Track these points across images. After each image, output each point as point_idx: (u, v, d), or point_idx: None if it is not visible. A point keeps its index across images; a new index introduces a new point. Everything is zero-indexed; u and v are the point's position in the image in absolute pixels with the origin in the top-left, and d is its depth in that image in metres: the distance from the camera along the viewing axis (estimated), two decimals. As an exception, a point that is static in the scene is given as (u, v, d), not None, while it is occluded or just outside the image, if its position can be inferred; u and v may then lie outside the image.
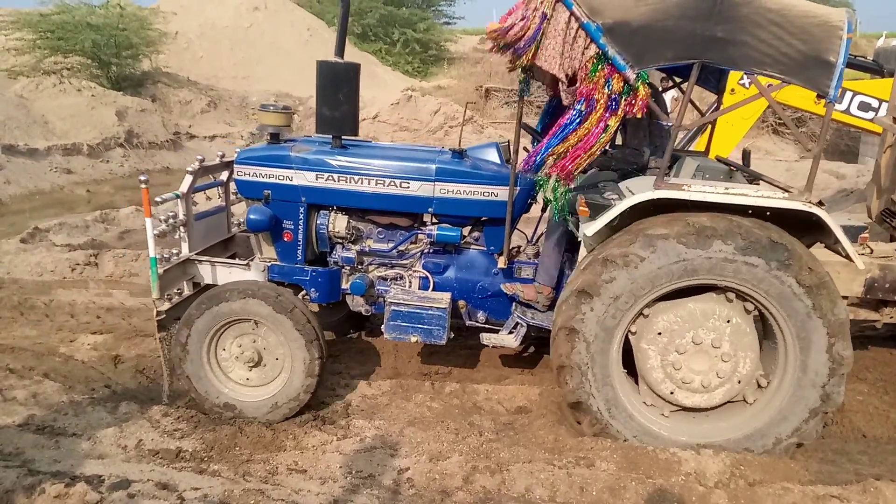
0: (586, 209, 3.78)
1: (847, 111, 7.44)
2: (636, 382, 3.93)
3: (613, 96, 3.42)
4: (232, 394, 4.08)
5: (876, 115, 7.32)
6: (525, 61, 3.51)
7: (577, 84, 3.50)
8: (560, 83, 3.59)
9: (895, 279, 4.09)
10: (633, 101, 3.45)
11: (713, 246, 3.47)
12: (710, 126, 4.91)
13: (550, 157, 3.63)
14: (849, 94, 7.39)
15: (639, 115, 3.55)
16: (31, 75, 14.61)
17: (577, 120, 3.51)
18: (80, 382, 4.51)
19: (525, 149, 4.50)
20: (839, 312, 3.51)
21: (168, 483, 3.34)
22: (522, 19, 3.43)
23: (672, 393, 3.78)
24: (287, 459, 3.62)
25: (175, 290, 4.36)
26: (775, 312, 3.57)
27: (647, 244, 3.52)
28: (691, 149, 5.27)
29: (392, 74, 24.29)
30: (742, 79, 7.42)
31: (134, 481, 3.33)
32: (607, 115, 3.45)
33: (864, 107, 7.41)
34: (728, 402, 3.82)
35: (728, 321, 3.67)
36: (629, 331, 3.78)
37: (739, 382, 3.73)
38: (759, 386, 3.82)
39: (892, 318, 4.92)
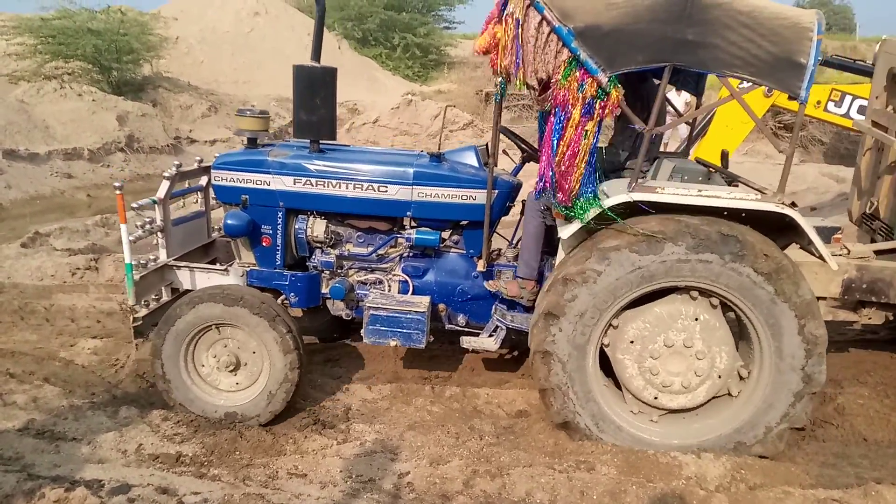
0: (561, 213, 3.80)
1: (846, 115, 7.45)
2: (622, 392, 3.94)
3: (588, 100, 3.42)
4: (228, 403, 4.07)
5: None
6: (521, 77, 3.50)
7: (551, 90, 3.50)
8: (531, 90, 3.58)
9: (872, 280, 4.09)
10: (606, 104, 3.45)
11: (665, 249, 3.51)
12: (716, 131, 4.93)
13: (554, 175, 3.60)
14: (848, 98, 7.39)
15: (609, 118, 3.56)
16: (31, 80, 14.63)
17: (560, 127, 3.50)
18: (80, 387, 4.51)
19: (504, 152, 4.51)
20: (804, 293, 3.53)
21: (168, 487, 3.33)
22: (500, 26, 3.44)
23: (656, 398, 3.80)
24: (287, 464, 3.61)
25: (153, 296, 4.34)
26: (740, 304, 3.59)
27: (601, 258, 3.56)
28: (691, 152, 5.28)
29: (392, 79, 24.34)
30: (742, 84, 7.43)
31: (134, 486, 3.33)
32: (584, 119, 3.45)
33: (863, 110, 7.41)
34: (713, 398, 3.83)
35: (696, 319, 3.70)
36: (602, 344, 3.80)
37: (720, 377, 3.75)
38: (741, 378, 3.83)
39: (869, 318, 4.92)
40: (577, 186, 3.57)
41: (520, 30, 3.41)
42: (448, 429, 4.05)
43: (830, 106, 7.35)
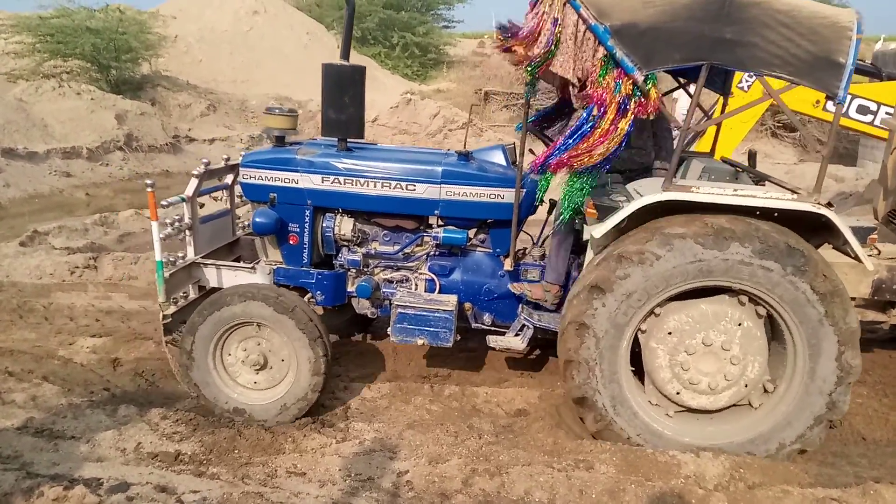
0: (594, 211, 3.78)
1: (846, 114, 7.46)
2: (641, 382, 3.92)
3: (623, 99, 3.41)
4: (241, 398, 4.08)
5: (874, 118, 7.34)
6: (542, 69, 3.51)
7: (588, 87, 3.49)
8: (571, 87, 3.57)
9: None
10: (645, 103, 3.44)
11: (730, 248, 3.46)
12: (715, 128, 4.92)
13: (559, 159, 3.62)
14: (847, 98, 7.40)
15: (650, 117, 3.54)
16: (30, 79, 14.61)
17: (590, 124, 3.49)
18: (79, 385, 4.51)
19: (531, 151, 4.51)
20: (851, 321, 3.50)
21: (167, 486, 3.33)
22: (534, 23, 3.44)
23: (678, 393, 3.77)
24: (286, 462, 3.61)
25: (181, 294, 4.36)
26: (787, 318, 3.56)
27: (664, 242, 3.51)
28: (690, 150, 5.27)
29: (391, 78, 24.29)
30: (741, 82, 7.43)
31: (133, 484, 3.32)
32: (618, 117, 3.44)
33: (862, 110, 7.42)
34: (733, 405, 3.81)
35: (739, 324, 3.66)
36: (639, 329, 3.77)
37: (746, 386, 3.73)
38: (765, 391, 3.81)
39: None
40: (580, 167, 3.57)
41: (559, 28, 3.41)
42: (447, 427, 4.05)
43: (830, 106, 7.34)
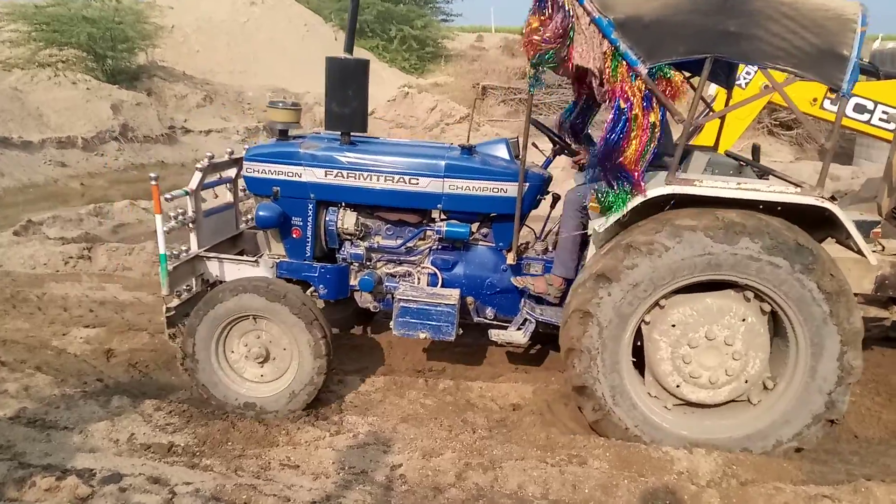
0: (597, 204, 3.77)
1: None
2: (641, 374, 3.92)
3: (645, 91, 3.40)
4: (250, 392, 4.08)
5: (871, 117, 7.34)
6: (566, 64, 3.50)
7: (604, 83, 3.47)
8: (594, 78, 3.55)
9: None
10: (673, 91, 3.42)
11: (740, 242, 3.46)
12: (719, 121, 4.91)
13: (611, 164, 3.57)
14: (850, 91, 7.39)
15: (682, 100, 3.51)
16: (25, 68, 14.54)
17: (623, 120, 3.44)
18: (72, 376, 4.50)
19: (534, 144, 4.49)
20: (855, 322, 3.51)
21: (160, 477, 3.33)
22: (535, 17, 3.45)
23: (678, 386, 3.78)
24: (279, 455, 3.61)
25: (184, 287, 4.35)
26: (792, 315, 3.56)
27: (673, 234, 3.51)
28: (692, 144, 5.27)
29: (389, 71, 24.26)
30: (738, 79, 7.42)
31: (125, 475, 3.32)
32: (647, 110, 3.42)
33: (859, 109, 7.42)
34: (732, 401, 3.82)
35: (744, 320, 3.66)
36: (643, 320, 3.76)
37: (746, 382, 3.73)
38: (765, 388, 3.82)
39: None
40: (637, 173, 3.53)
41: (571, 20, 3.40)
42: (441, 422, 4.05)
43: (826, 104, 7.35)
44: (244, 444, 3.73)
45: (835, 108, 7.37)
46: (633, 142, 3.46)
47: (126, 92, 14.32)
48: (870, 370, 4.99)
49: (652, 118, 3.44)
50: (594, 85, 3.59)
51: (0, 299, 5.70)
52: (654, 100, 3.42)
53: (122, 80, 15.57)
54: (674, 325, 3.71)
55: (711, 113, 4.54)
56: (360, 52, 24.60)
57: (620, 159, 3.51)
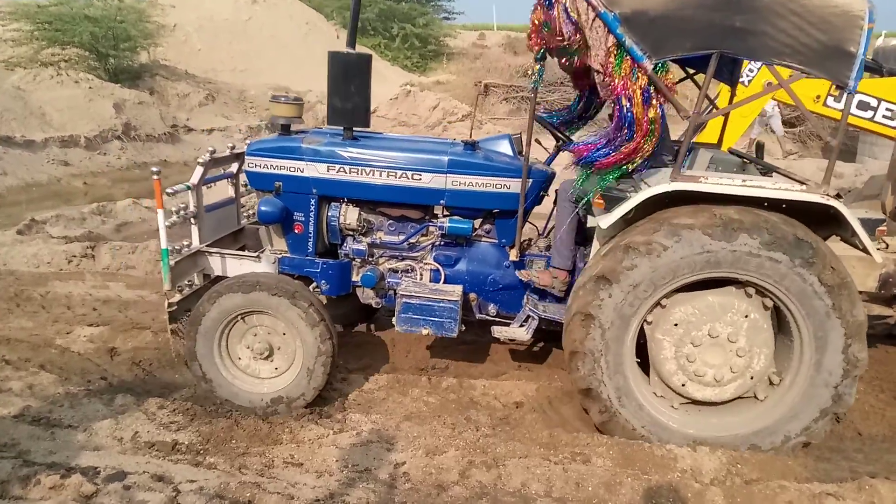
0: (601, 201, 3.76)
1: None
2: (646, 374, 3.92)
3: (645, 88, 3.39)
4: (271, 389, 4.09)
5: (875, 114, 7.30)
6: (569, 60, 3.51)
7: (607, 79, 3.47)
8: (596, 74, 3.55)
9: None
10: (666, 85, 3.43)
11: (739, 239, 3.46)
12: (722, 119, 4.90)
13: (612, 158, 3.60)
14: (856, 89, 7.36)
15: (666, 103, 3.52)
16: (28, 66, 14.52)
17: (629, 117, 3.45)
18: (76, 374, 4.51)
19: (538, 141, 4.49)
20: (858, 314, 3.51)
21: (164, 475, 3.33)
22: (537, 13, 3.48)
23: (683, 385, 3.77)
24: (283, 453, 3.62)
25: (186, 283, 4.34)
26: (794, 310, 3.56)
27: (671, 233, 3.50)
28: (696, 141, 5.26)
29: (391, 69, 24.22)
30: (742, 77, 7.40)
31: (130, 473, 3.33)
32: (646, 106, 3.42)
33: (863, 106, 7.39)
34: (738, 398, 3.81)
35: (746, 316, 3.66)
36: (645, 320, 3.76)
37: (752, 378, 3.72)
38: (771, 383, 3.81)
39: None
40: (636, 159, 3.56)
41: (576, 15, 3.40)
42: (444, 419, 4.05)
43: (830, 101, 7.32)
44: (248, 441, 3.73)
45: (838, 106, 7.37)
46: (636, 138, 3.46)
47: (128, 91, 14.32)
48: (874, 368, 4.99)
49: (651, 114, 3.44)
50: (597, 81, 3.59)
51: (4, 298, 5.71)
52: (654, 96, 3.41)
53: (124, 79, 15.55)
54: (676, 325, 3.71)
55: (716, 110, 4.53)
56: (361, 51, 24.63)
57: (618, 155, 3.51)
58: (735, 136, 7.51)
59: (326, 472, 3.47)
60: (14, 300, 5.70)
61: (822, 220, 3.61)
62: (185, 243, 4.36)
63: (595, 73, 3.56)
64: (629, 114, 3.44)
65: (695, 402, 3.84)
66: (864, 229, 3.53)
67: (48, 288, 6.00)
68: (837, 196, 3.53)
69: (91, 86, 13.63)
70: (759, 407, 3.82)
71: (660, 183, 3.57)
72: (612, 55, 3.39)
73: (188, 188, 4.18)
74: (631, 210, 3.60)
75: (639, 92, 3.39)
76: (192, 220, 4.30)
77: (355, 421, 3.97)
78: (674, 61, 3.44)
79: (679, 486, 3.35)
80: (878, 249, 3.95)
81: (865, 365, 3.59)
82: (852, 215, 3.49)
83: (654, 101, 3.43)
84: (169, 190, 3.95)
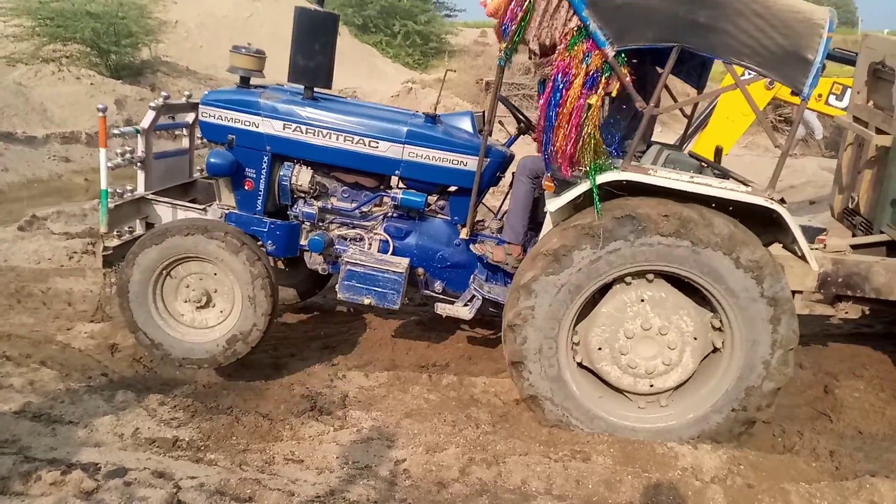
0: (551, 184, 3.80)
1: (829, 103, 7.41)
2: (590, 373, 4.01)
3: (592, 73, 3.38)
4: (223, 332, 4.07)
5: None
6: (521, 38, 3.49)
7: (555, 56, 3.46)
8: (532, 54, 3.56)
9: (848, 274, 4.10)
10: (612, 81, 3.42)
11: (673, 235, 3.52)
12: (707, 132, 4.92)
13: (555, 150, 3.59)
14: (849, 91, 7.35)
15: (614, 94, 3.53)
16: (29, 63, 14.51)
17: (558, 96, 3.45)
18: (77, 370, 4.50)
19: (501, 122, 4.47)
20: (719, 230, 3.53)
21: (164, 471, 3.33)
22: None
23: (652, 385, 3.82)
24: (284, 449, 3.62)
25: (126, 228, 4.26)
26: (670, 270, 3.62)
27: (620, 222, 3.56)
28: (691, 144, 5.26)
29: (392, 66, 24.23)
30: (743, 76, 7.39)
31: (130, 469, 3.32)
32: (585, 91, 3.40)
33: (841, 97, 7.37)
34: (704, 359, 3.83)
35: (641, 300, 3.71)
36: (579, 362, 3.89)
37: (696, 339, 3.74)
38: (718, 329, 3.80)
39: (846, 312, 4.90)
40: (584, 158, 3.52)
41: None
42: (445, 417, 4.05)
43: (832, 99, 7.31)
44: (248, 438, 3.74)
45: (840, 104, 7.36)
46: (567, 118, 3.44)
47: (130, 87, 14.31)
48: (873, 367, 4.99)
49: (591, 100, 3.41)
50: (534, 59, 3.62)
51: (5, 294, 5.70)
52: (598, 84, 3.39)
53: (125, 76, 15.54)
54: (600, 348, 3.82)
55: (674, 103, 4.55)
56: (363, 48, 24.62)
57: (555, 137, 3.51)
58: (736, 135, 7.51)
59: (327, 468, 3.47)
60: (15, 296, 5.70)
61: (767, 224, 3.65)
62: (129, 188, 4.27)
63: (532, 54, 3.55)
64: (560, 88, 3.42)
65: (673, 389, 3.86)
66: (805, 236, 3.58)
67: (49, 284, 5.99)
68: (782, 201, 3.55)
69: (92, 82, 13.61)
70: (724, 357, 3.80)
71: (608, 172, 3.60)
72: (568, 36, 3.38)
73: (137, 132, 4.08)
74: (580, 196, 3.62)
75: (582, 74, 3.37)
76: (139, 166, 4.19)
77: (356, 418, 3.97)
78: (636, 53, 3.45)
79: (679, 485, 3.35)
80: (815, 249, 3.98)
81: (796, 339, 3.61)
82: (794, 221, 3.53)
83: (598, 90, 3.41)
84: (115, 130, 3.86)
